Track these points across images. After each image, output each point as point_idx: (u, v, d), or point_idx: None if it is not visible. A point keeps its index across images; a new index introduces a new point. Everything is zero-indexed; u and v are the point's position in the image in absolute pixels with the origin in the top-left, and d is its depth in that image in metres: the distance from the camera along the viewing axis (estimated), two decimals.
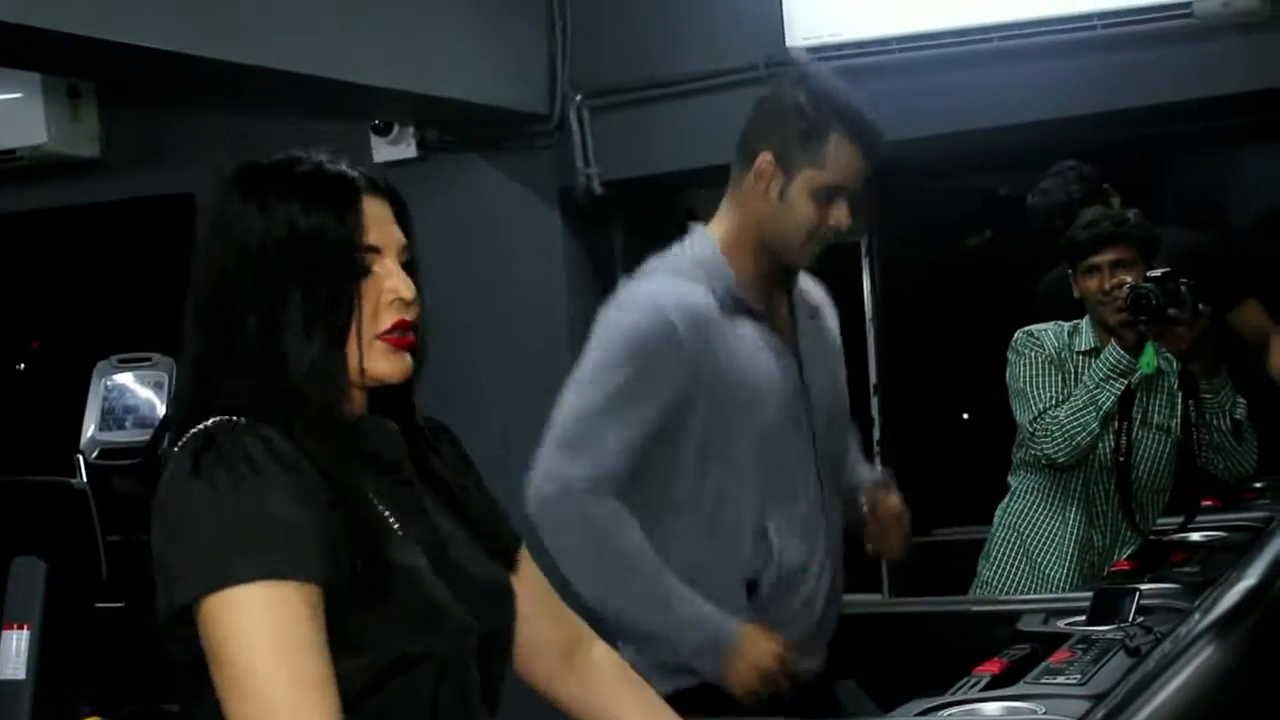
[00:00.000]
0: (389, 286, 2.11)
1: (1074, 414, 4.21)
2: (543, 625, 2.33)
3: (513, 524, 2.32)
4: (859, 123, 3.14)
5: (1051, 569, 4.41)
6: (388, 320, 2.11)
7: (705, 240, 3.20)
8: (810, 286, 3.35)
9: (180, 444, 2.03)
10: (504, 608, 2.21)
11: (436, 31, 5.36)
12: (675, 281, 3.12)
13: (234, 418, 2.03)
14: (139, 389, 6.14)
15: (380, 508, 2.09)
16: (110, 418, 6.06)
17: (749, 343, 3.13)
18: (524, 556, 2.33)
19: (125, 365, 6.17)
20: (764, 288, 3.19)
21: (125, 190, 6.48)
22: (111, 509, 5.15)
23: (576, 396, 3.08)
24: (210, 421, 2.02)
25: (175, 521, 1.98)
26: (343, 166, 2.14)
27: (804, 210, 3.12)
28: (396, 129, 5.71)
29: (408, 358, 2.14)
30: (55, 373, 6.63)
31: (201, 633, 1.95)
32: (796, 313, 3.26)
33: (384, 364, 2.12)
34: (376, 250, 2.10)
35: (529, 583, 2.31)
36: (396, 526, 2.10)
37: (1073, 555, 4.40)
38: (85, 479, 5.50)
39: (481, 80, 5.60)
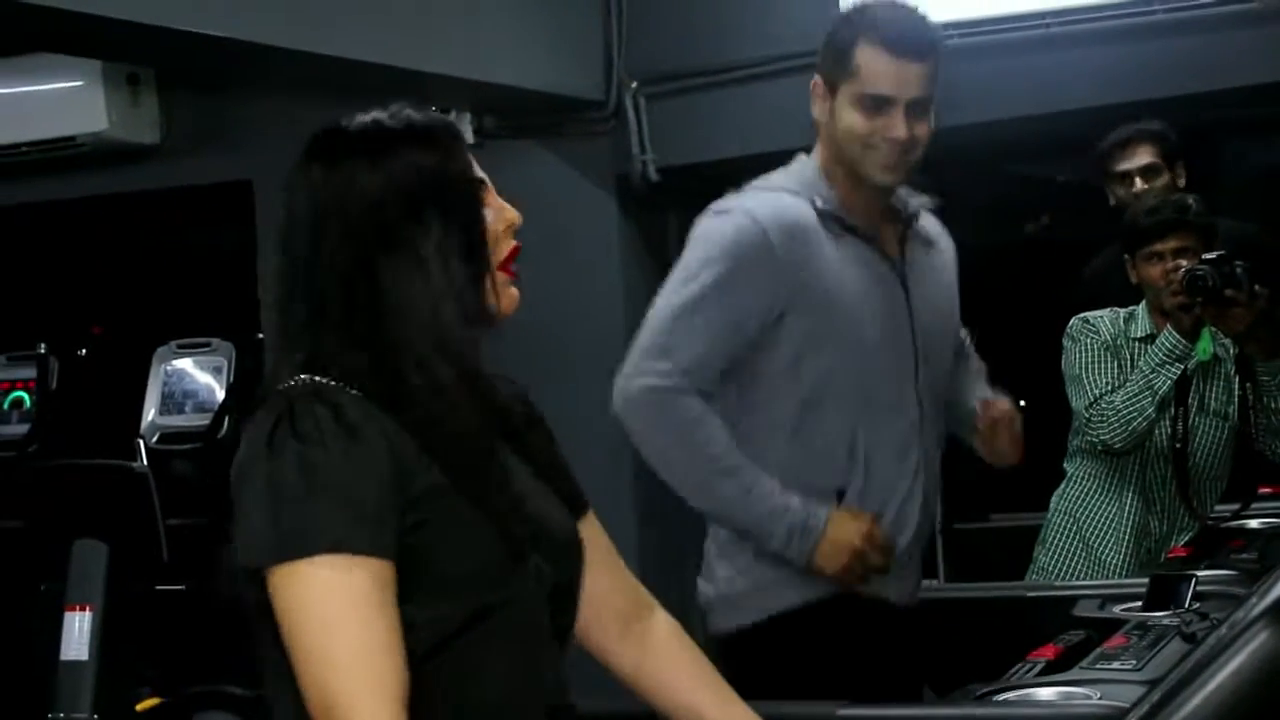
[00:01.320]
0: (506, 215, 2.16)
1: (1130, 399, 4.18)
2: (605, 588, 2.34)
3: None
4: (886, 28, 3.18)
5: (1108, 555, 4.38)
6: (505, 248, 2.17)
7: (807, 162, 3.23)
8: (930, 223, 3.36)
9: (264, 406, 2.04)
10: (576, 558, 2.23)
11: (494, 18, 5.38)
12: (775, 195, 3.16)
13: (314, 379, 2.04)
14: (198, 374, 6.18)
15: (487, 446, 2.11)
16: (170, 402, 6.10)
17: (851, 260, 3.15)
18: (590, 518, 2.33)
19: (184, 351, 6.21)
20: (871, 213, 3.21)
21: (185, 177, 6.51)
22: (171, 493, 5.18)
23: (665, 300, 3.11)
24: (291, 383, 2.04)
25: (247, 487, 2.02)
26: (430, 113, 2.18)
27: (851, 122, 3.16)
28: (454, 115, 5.70)
29: (515, 289, 2.19)
30: (116, 358, 6.67)
31: (270, 595, 1.98)
32: (909, 243, 3.27)
33: (505, 297, 2.17)
34: (484, 182, 2.16)
35: (595, 546, 2.31)
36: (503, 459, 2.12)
37: (1129, 541, 4.37)
38: (145, 463, 5.53)
39: (538, 67, 5.61)
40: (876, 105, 3.15)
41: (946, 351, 3.37)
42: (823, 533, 3.04)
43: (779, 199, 3.15)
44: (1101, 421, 4.24)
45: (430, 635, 2.01)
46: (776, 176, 3.24)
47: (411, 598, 2.00)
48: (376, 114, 2.17)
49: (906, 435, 3.19)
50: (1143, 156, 4.92)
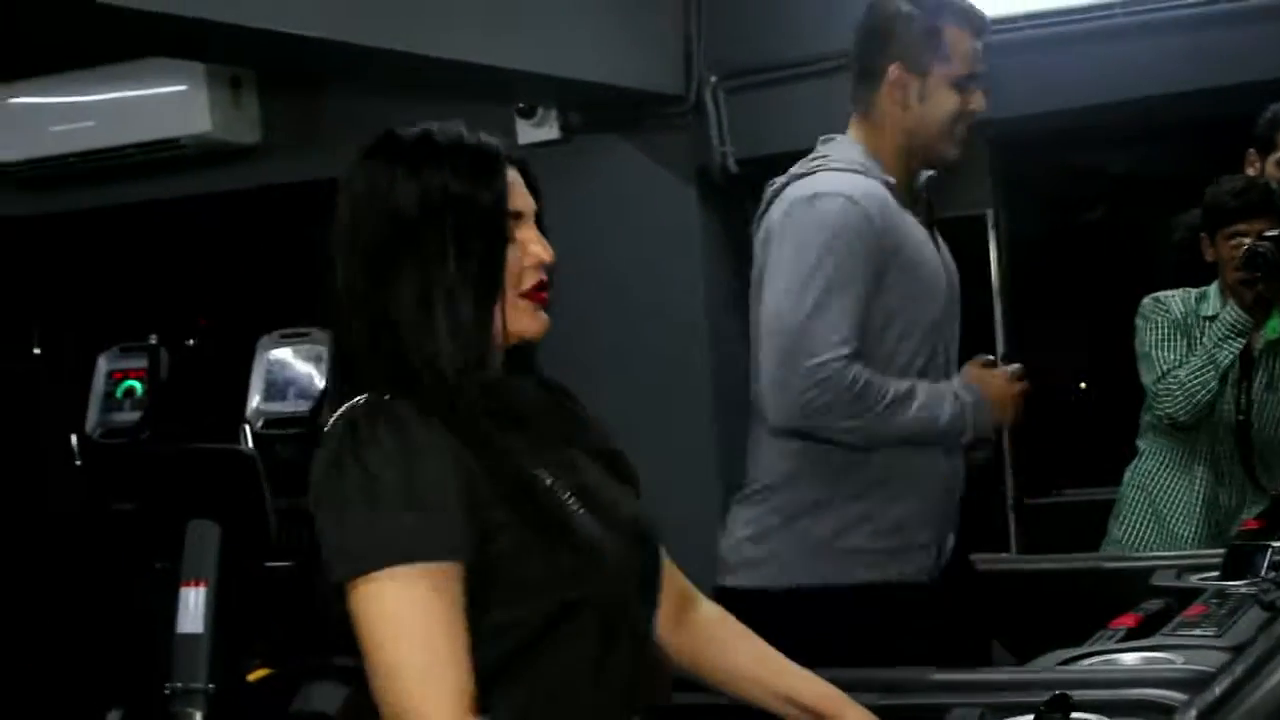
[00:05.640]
0: (532, 250, 2.16)
1: (1194, 373, 4.18)
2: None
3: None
4: (961, 10, 3.24)
5: (1180, 528, 4.37)
6: (530, 280, 2.15)
7: (849, 146, 3.23)
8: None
9: (328, 428, 2.07)
10: (655, 544, 2.23)
11: (577, 17, 5.39)
12: (853, 175, 3.16)
13: (376, 397, 2.06)
14: (298, 362, 6.22)
15: (527, 463, 2.12)
16: (273, 389, 6.15)
17: (918, 232, 3.17)
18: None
19: (285, 340, 6.26)
20: (907, 193, 3.23)
21: (284, 175, 6.56)
22: (277, 475, 5.23)
23: (797, 296, 3.09)
24: (354, 404, 2.06)
25: (321, 507, 2.03)
26: (481, 137, 2.19)
27: (947, 102, 3.20)
28: (540, 111, 5.73)
29: (544, 316, 2.19)
30: (222, 348, 6.73)
31: (350, 609, 2.01)
32: (933, 218, 3.32)
33: (527, 321, 2.16)
34: (519, 215, 2.15)
35: None
36: (545, 478, 2.12)
37: (1201, 514, 4.36)
38: (252, 446, 5.58)
39: (620, 63, 5.63)
40: (965, 84, 3.18)
41: (957, 317, 3.41)
42: (984, 399, 3.10)
43: (858, 178, 3.15)
44: (1167, 396, 4.24)
45: (514, 637, 2.02)
46: (832, 157, 3.24)
47: (490, 604, 2.01)
48: (432, 127, 2.19)
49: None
50: None
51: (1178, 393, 4.21)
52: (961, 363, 3.29)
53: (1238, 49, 5.06)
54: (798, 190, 3.18)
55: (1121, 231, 6.54)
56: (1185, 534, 4.35)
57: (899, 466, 3.15)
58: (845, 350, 3.03)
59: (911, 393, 3.08)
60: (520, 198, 2.17)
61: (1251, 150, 4.67)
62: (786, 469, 3.20)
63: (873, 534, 3.16)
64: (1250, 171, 4.75)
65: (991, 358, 3.26)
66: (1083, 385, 7.14)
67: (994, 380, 3.16)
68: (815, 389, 3.03)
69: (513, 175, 2.18)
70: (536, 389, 2.24)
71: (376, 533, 1.98)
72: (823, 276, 3.05)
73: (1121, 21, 5.11)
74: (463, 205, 2.13)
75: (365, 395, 2.07)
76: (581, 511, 2.12)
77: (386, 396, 2.05)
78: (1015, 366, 3.24)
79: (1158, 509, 4.42)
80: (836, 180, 3.15)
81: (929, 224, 3.29)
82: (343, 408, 2.07)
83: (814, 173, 3.21)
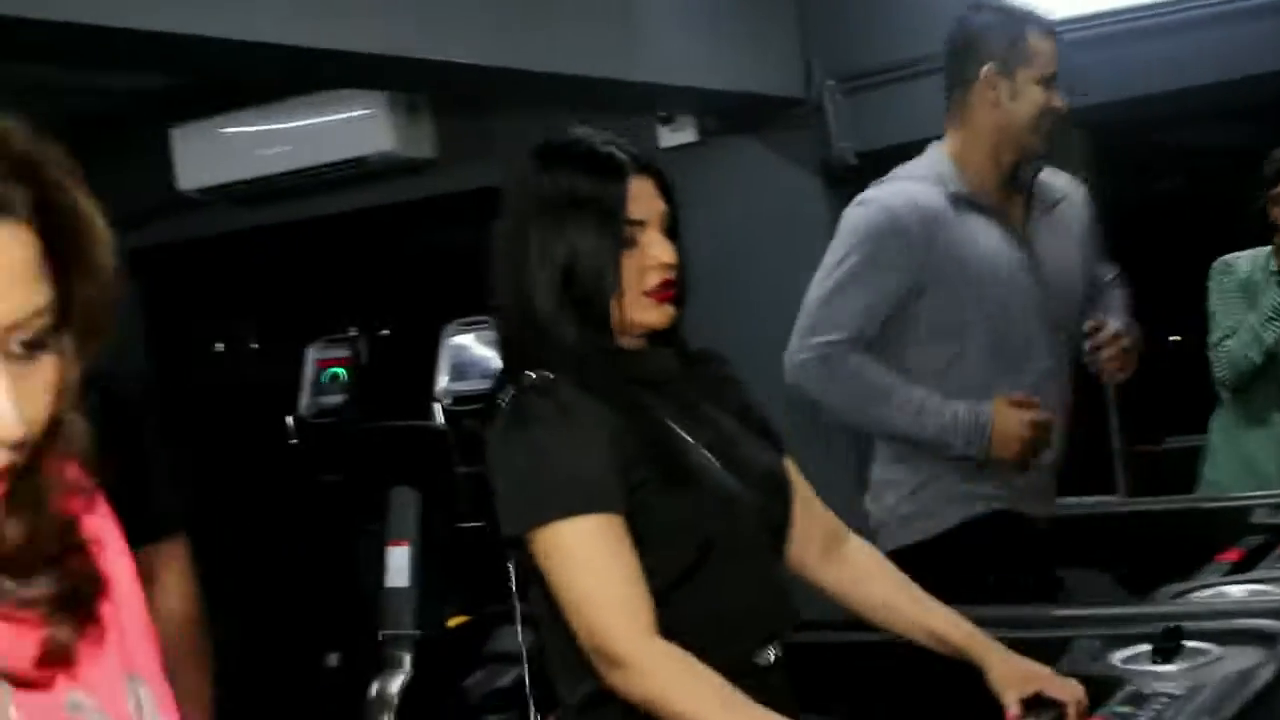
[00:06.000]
0: (652, 254, 2.17)
1: (1242, 346, 4.10)
2: (806, 521, 2.36)
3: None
4: (1040, 20, 3.26)
5: (1267, 467, 4.29)
6: (652, 280, 2.19)
7: (938, 153, 3.23)
8: (1053, 179, 3.34)
9: (499, 403, 2.12)
10: (786, 492, 2.25)
11: (708, 34, 5.41)
12: (907, 185, 3.16)
13: (537, 375, 2.10)
14: (478, 346, 6.25)
15: (668, 421, 2.14)
16: (458, 371, 6.19)
17: (981, 235, 3.15)
18: (789, 463, 2.35)
19: (466, 328, 6.29)
20: (999, 191, 3.21)
21: (455, 185, 6.61)
22: (464, 446, 5.29)
23: (817, 286, 3.15)
24: (521, 381, 2.12)
25: (497, 472, 2.12)
26: (613, 148, 2.20)
27: (1035, 98, 3.20)
28: (678, 118, 5.75)
29: (669, 309, 2.21)
30: (412, 336, 6.82)
31: (531, 557, 2.08)
32: (1034, 209, 3.26)
33: (650, 314, 2.20)
34: (640, 223, 2.18)
35: (796, 485, 2.33)
36: (685, 434, 2.14)
37: None
38: (443, 421, 5.65)
39: (747, 73, 5.63)
40: (1048, 82, 3.16)
41: (1074, 299, 3.34)
42: (992, 425, 3.03)
43: (910, 188, 3.15)
44: (1217, 362, 4.18)
45: (668, 572, 2.07)
46: (912, 166, 3.24)
47: (646, 544, 2.06)
48: (578, 134, 2.22)
49: (1038, 381, 3.17)
50: None
51: (1225, 360, 4.14)
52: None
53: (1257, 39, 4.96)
54: (861, 194, 3.20)
55: (1200, 199, 6.43)
56: (1272, 473, 4.26)
57: None
58: (843, 335, 3.03)
59: (908, 396, 3.05)
60: (644, 204, 2.19)
61: None
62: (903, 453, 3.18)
63: (993, 481, 3.13)
64: None
65: (1023, 398, 3.13)
66: (1175, 339, 7.03)
67: (1009, 417, 3.06)
68: (810, 361, 3.06)
69: (640, 184, 2.19)
70: (674, 357, 2.26)
71: (548, 490, 2.05)
72: (842, 271, 3.09)
73: (1196, 13, 5.02)
74: (586, 206, 2.16)
75: (531, 374, 2.11)
76: (717, 464, 2.14)
77: (547, 374, 2.10)
78: (1044, 415, 3.12)
79: (1243, 453, 4.34)
80: (891, 190, 3.16)
81: (1026, 217, 3.25)
82: (511, 386, 2.12)
83: (889, 181, 3.21)
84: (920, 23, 5.63)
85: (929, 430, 3.05)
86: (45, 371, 1.14)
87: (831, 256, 3.15)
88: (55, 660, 1.20)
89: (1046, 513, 3.18)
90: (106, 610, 1.26)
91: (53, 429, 1.17)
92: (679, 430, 2.17)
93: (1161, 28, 5.02)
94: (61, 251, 1.13)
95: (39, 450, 1.16)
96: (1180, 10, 5.06)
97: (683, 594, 2.09)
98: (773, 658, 2.17)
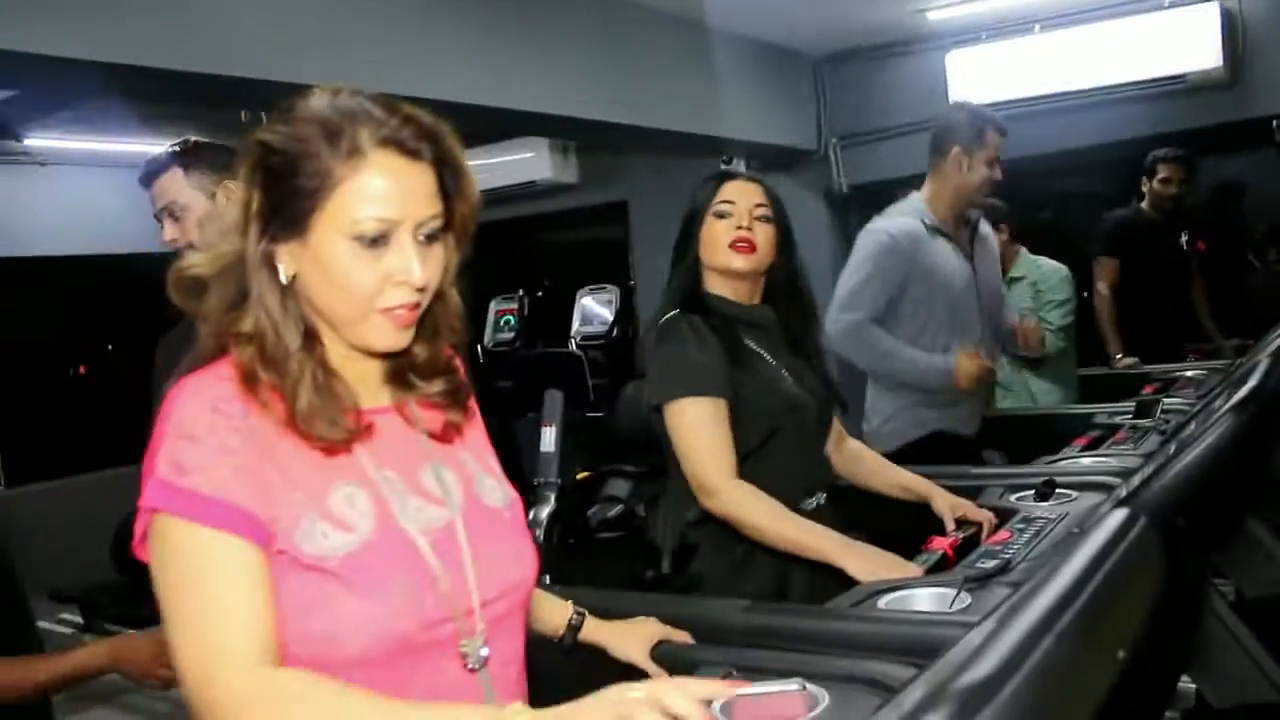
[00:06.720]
0: (727, 226, 2.14)
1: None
2: (831, 428, 2.35)
3: None
4: (997, 123, 3.18)
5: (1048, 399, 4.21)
6: (725, 244, 2.13)
7: (917, 197, 3.21)
8: (984, 227, 3.32)
9: (658, 323, 2.13)
10: (830, 402, 2.23)
11: (756, 105, 5.40)
12: (899, 219, 3.14)
13: (676, 313, 2.11)
14: (598, 305, 6.34)
15: (759, 349, 2.15)
16: (585, 319, 6.29)
17: (942, 253, 3.14)
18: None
19: (591, 292, 6.37)
20: (954, 225, 3.19)
21: (591, 199, 6.63)
22: (591, 366, 5.37)
23: (846, 281, 3.09)
24: (666, 315, 2.12)
25: (649, 366, 2.09)
26: (719, 172, 2.21)
27: (984, 172, 3.15)
28: (735, 160, 5.74)
29: (741, 260, 2.13)
30: (557, 297, 6.88)
31: (664, 420, 2.06)
32: (975, 240, 3.26)
33: (728, 282, 2.14)
34: (720, 214, 2.14)
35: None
36: (769, 358, 2.15)
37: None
38: (578, 349, 5.72)
39: (780, 130, 5.62)
40: (993, 162, 3.14)
41: (995, 297, 3.35)
42: (958, 367, 3.05)
43: (901, 220, 3.12)
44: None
45: (745, 444, 2.04)
46: (901, 205, 3.21)
47: (738, 422, 2.04)
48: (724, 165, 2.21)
49: (975, 344, 3.16)
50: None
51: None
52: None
53: (1115, 119, 4.96)
54: (869, 224, 3.19)
55: (1064, 226, 6.30)
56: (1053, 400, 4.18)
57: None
58: (864, 315, 3.01)
59: (904, 354, 3.03)
60: (739, 196, 2.15)
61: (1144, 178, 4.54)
62: (888, 382, 3.19)
63: (943, 415, 3.15)
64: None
65: (975, 348, 3.12)
66: None
67: (967, 363, 3.04)
68: (845, 330, 3.03)
69: (735, 188, 2.15)
70: (769, 310, 2.19)
71: (678, 377, 2.03)
72: (859, 275, 3.05)
73: (1064, 104, 5.03)
74: (694, 208, 2.18)
75: (672, 311, 2.14)
76: (789, 378, 2.16)
77: (679, 311, 2.13)
78: (986, 362, 3.11)
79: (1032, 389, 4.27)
80: (888, 221, 3.14)
81: (970, 243, 3.24)
82: (663, 314, 2.15)
83: (888, 214, 3.21)
84: (891, 104, 5.65)
85: (920, 371, 3.05)
86: (437, 254, 1.22)
87: (854, 263, 3.12)
88: (452, 430, 1.31)
89: (971, 430, 3.17)
90: (471, 405, 1.35)
91: (439, 295, 1.26)
92: (765, 354, 2.15)
93: (1043, 111, 5.00)
94: (447, 184, 1.21)
95: (431, 307, 1.25)
96: (1055, 101, 5.05)
97: (758, 456, 2.05)
98: (814, 505, 2.12)
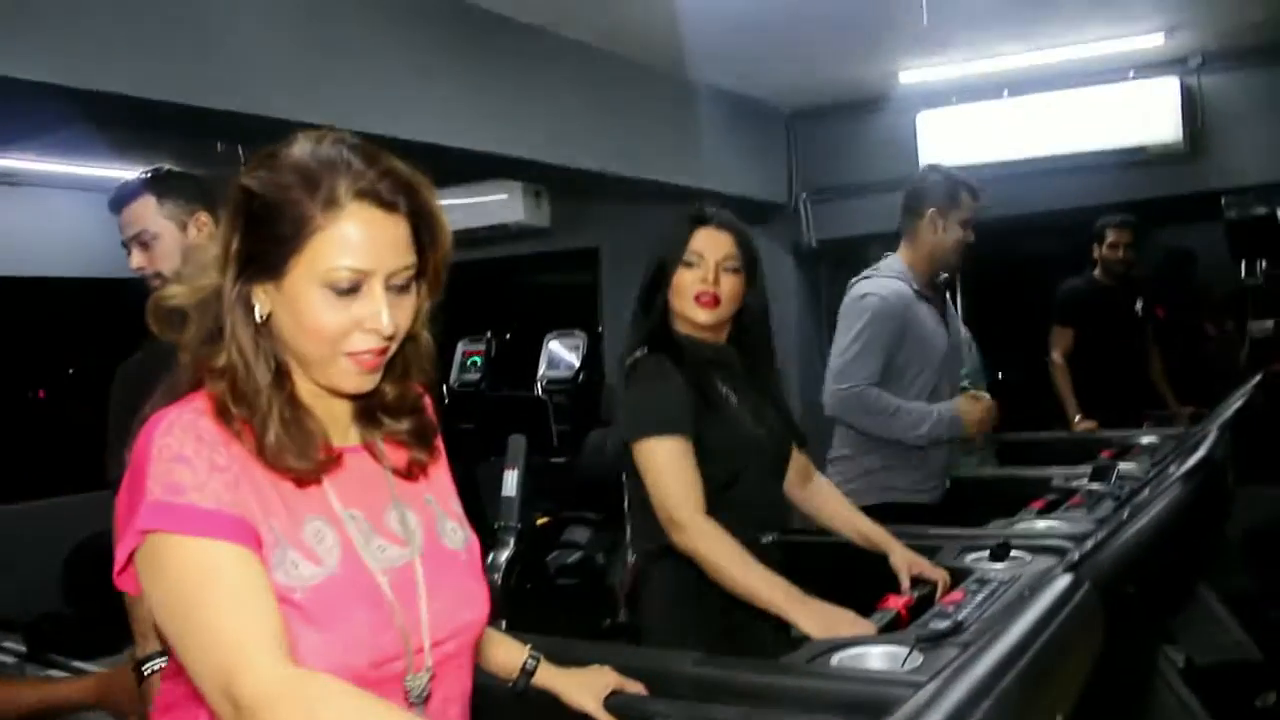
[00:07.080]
0: (694, 277, 2.16)
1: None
2: (794, 466, 2.36)
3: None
4: (970, 186, 3.21)
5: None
6: (690, 295, 2.16)
7: (898, 260, 3.23)
8: (946, 299, 3.35)
9: (626, 364, 2.15)
10: (788, 442, 2.26)
11: (731, 158, 5.45)
12: (888, 280, 3.16)
13: (643, 352, 2.14)
14: (565, 351, 6.30)
15: (722, 388, 2.16)
16: (552, 363, 6.25)
17: (924, 315, 3.16)
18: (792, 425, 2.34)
19: (558, 336, 6.34)
20: (930, 287, 3.22)
21: (562, 244, 6.62)
22: (555, 411, 5.35)
23: (842, 350, 3.09)
24: (634, 354, 2.14)
25: (618, 407, 2.11)
26: (687, 217, 2.20)
27: (958, 234, 3.18)
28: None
29: (704, 314, 2.15)
30: (524, 340, 6.86)
31: (633, 457, 2.08)
32: (945, 300, 3.30)
33: (701, 316, 2.15)
34: (689, 263, 2.16)
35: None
36: (731, 397, 2.16)
37: None
38: (542, 394, 5.70)
39: (753, 184, 5.68)
40: (967, 224, 3.17)
41: (960, 353, 3.39)
42: (963, 415, 3.07)
43: (891, 282, 3.13)
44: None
45: (716, 478, 2.07)
46: (886, 266, 3.21)
47: (704, 461, 2.06)
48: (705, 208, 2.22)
49: (949, 396, 3.19)
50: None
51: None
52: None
53: (1078, 186, 5.05)
54: (857, 289, 3.19)
55: (1024, 282, 6.36)
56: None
57: (914, 451, 3.13)
58: (865, 381, 3.02)
59: (910, 410, 3.04)
60: (707, 245, 2.16)
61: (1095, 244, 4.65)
62: (854, 446, 3.19)
63: (906, 480, 3.15)
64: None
65: (978, 394, 3.17)
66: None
67: (971, 408, 3.09)
68: (845, 398, 3.04)
69: (705, 238, 2.16)
70: (735, 351, 2.22)
71: (650, 415, 2.05)
72: (858, 342, 3.05)
73: (1026, 170, 5.13)
74: (657, 259, 2.20)
75: (639, 350, 2.15)
76: (748, 418, 2.17)
77: (648, 351, 2.14)
78: (989, 403, 3.14)
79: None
80: (878, 284, 3.14)
81: (941, 304, 3.28)
82: (632, 355, 2.16)
83: (870, 277, 3.22)
84: (861, 162, 5.73)
85: (926, 428, 3.05)
86: (408, 302, 1.25)
87: (848, 332, 3.09)
88: (417, 468, 1.33)
89: (936, 497, 3.17)
90: (438, 445, 1.38)
91: (412, 336, 1.29)
92: (731, 395, 2.17)
93: (1007, 175, 5.05)
94: (422, 235, 1.24)
95: (403, 348, 1.28)
96: (1020, 166, 5.14)
97: (722, 493, 2.08)
98: (767, 540, 2.16)
